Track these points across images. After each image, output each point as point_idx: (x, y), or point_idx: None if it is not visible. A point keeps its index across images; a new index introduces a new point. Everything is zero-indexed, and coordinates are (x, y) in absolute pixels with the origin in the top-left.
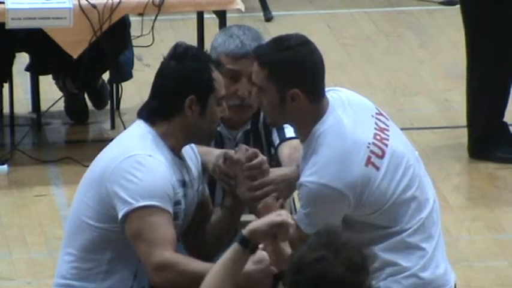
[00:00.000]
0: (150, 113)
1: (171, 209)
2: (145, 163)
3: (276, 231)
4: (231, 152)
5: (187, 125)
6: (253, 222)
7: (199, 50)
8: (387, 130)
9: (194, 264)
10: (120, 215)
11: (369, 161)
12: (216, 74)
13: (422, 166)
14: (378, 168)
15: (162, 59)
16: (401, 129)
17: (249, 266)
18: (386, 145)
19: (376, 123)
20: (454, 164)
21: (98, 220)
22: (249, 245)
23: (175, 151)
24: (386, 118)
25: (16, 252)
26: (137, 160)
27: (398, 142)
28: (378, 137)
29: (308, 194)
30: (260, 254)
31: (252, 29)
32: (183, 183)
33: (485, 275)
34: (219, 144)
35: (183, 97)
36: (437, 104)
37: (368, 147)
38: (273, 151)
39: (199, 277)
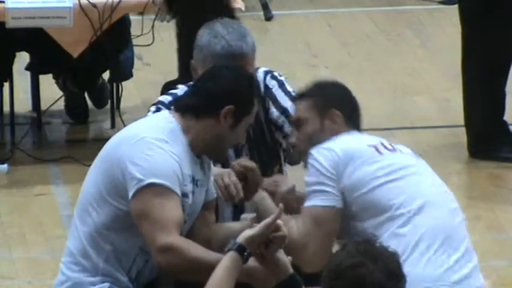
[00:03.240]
0: (185, 106)
1: (179, 193)
2: (159, 145)
3: (272, 235)
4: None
5: (214, 132)
6: (248, 230)
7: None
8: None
9: (197, 250)
10: (130, 192)
11: (373, 146)
12: (255, 104)
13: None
14: (380, 153)
15: (162, 58)
16: (401, 128)
17: (251, 262)
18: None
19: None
20: (454, 164)
21: (108, 194)
22: (244, 254)
23: (192, 147)
24: None
25: (16, 251)
26: (151, 141)
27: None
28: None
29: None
30: None
31: (236, 25)
32: (194, 180)
33: (486, 274)
34: None
35: (223, 104)
36: (437, 104)
37: (375, 145)
38: (283, 129)
39: (200, 264)
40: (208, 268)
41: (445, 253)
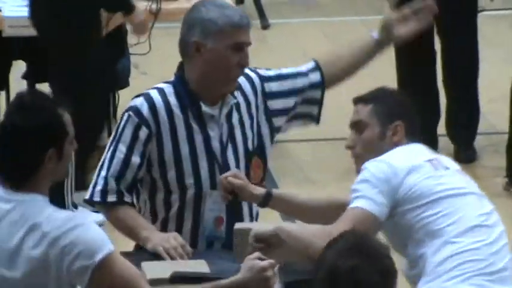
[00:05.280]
0: (10, 181)
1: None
2: (79, 222)
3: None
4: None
5: (46, 176)
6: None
7: (43, 95)
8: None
9: None
10: (85, 279)
11: (429, 161)
12: (66, 116)
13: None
14: (436, 169)
15: (159, 67)
16: None
17: (244, 273)
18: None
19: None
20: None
21: None
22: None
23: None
24: None
25: None
26: (71, 226)
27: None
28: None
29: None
30: (250, 263)
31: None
32: None
33: None
34: (202, 126)
35: (42, 153)
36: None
37: (431, 159)
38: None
39: None
40: None
41: (486, 266)
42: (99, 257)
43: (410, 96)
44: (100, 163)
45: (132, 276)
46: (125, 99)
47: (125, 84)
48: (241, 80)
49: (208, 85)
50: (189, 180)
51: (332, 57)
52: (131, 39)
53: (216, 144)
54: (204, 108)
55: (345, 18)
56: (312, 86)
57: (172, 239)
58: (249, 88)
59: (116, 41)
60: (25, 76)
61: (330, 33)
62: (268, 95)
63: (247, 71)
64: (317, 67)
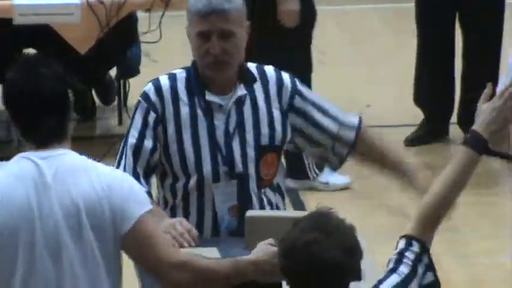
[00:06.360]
0: (57, 132)
1: None
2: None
3: None
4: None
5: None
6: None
7: (33, 55)
8: None
9: (203, 261)
10: (130, 221)
11: None
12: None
13: None
14: None
15: (169, 55)
16: (411, 125)
17: (258, 256)
18: None
19: None
20: None
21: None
22: (481, 148)
23: None
24: None
25: None
26: (122, 173)
27: None
28: None
29: None
30: (264, 246)
31: None
32: None
33: (493, 271)
34: (208, 115)
35: (69, 100)
36: None
37: None
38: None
39: (211, 274)
40: (219, 276)
41: None
42: (146, 208)
43: (426, 85)
44: (119, 152)
45: (164, 238)
46: (136, 87)
47: (135, 72)
48: (270, 73)
49: (202, 71)
50: (192, 168)
51: (378, 144)
52: (142, 27)
53: (220, 134)
54: (210, 96)
55: (358, 6)
56: (339, 140)
57: (178, 225)
58: (274, 83)
59: (126, 29)
60: None
61: (342, 22)
62: (297, 92)
63: (284, 74)
64: (358, 126)
